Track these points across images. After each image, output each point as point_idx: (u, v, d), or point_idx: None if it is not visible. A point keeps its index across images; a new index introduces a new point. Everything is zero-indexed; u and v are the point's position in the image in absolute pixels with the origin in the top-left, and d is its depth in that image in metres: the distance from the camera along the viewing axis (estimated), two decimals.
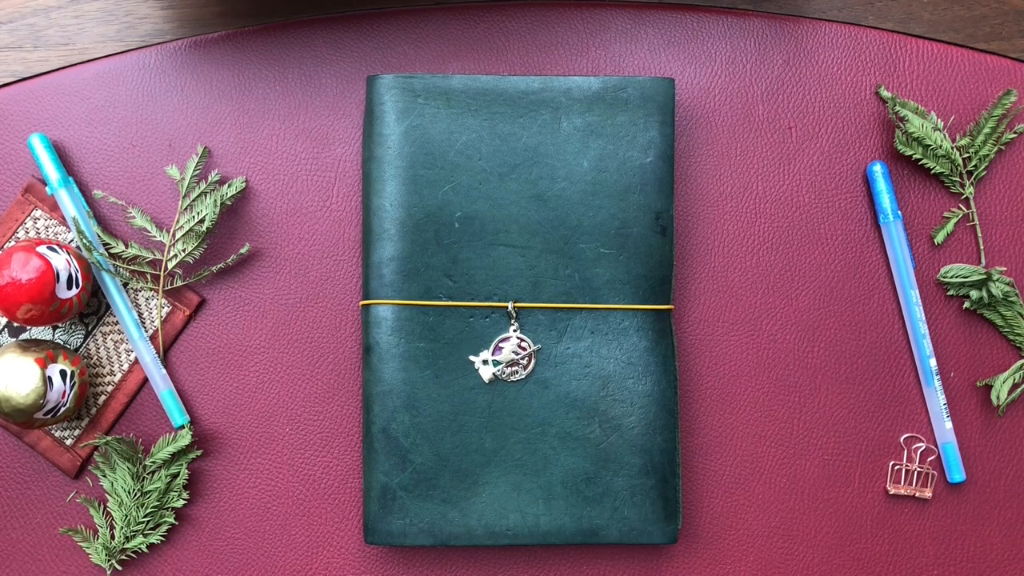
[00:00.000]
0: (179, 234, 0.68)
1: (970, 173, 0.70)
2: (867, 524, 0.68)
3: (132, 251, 0.67)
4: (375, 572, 0.68)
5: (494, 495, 0.65)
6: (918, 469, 0.69)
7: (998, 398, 0.68)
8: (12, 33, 0.71)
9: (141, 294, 0.68)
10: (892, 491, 0.68)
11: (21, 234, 0.68)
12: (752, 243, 0.70)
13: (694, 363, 0.69)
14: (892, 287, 0.70)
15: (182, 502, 0.66)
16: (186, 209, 0.68)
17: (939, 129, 0.69)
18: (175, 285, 0.68)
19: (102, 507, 0.67)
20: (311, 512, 0.68)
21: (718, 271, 0.69)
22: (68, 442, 0.67)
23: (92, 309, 0.68)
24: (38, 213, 0.68)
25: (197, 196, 0.68)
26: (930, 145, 0.69)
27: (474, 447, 0.65)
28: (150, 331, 0.68)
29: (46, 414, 0.63)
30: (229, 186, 0.68)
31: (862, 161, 0.70)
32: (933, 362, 0.68)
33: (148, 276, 0.68)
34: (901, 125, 0.69)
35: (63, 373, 0.63)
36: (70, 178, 0.68)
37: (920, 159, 0.69)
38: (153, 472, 0.67)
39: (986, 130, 0.69)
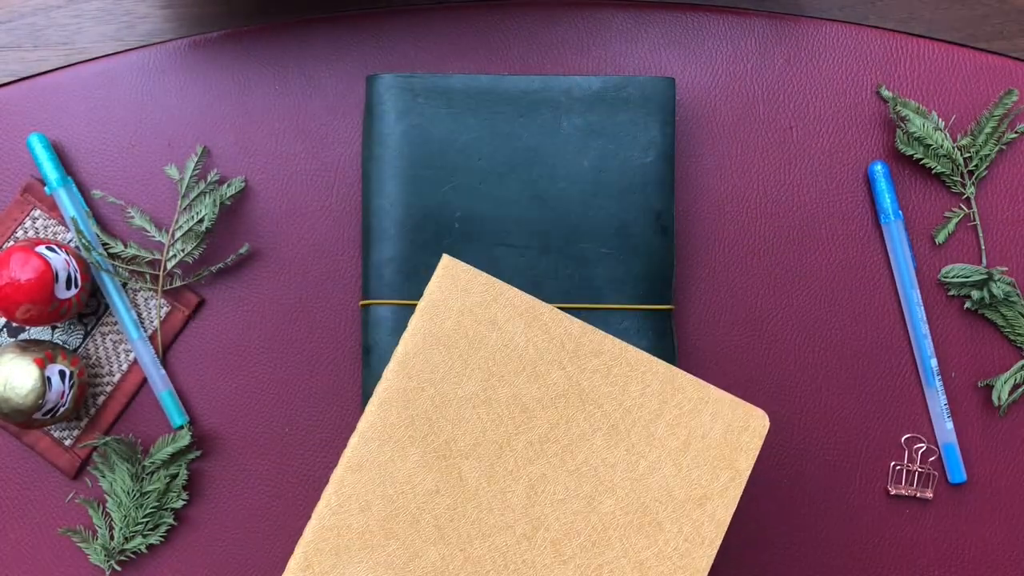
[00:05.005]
0: (178, 234, 0.67)
1: (971, 173, 0.70)
2: (868, 525, 0.68)
3: (131, 251, 0.67)
4: None
5: None
6: (919, 470, 0.68)
7: (999, 398, 0.68)
8: (11, 32, 0.71)
9: (140, 294, 0.68)
10: (893, 492, 0.68)
11: (20, 234, 0.68)
12: (753, 243, 0.70)
13: (695, 363, 0.69)
14: (893, 287, 0.69)
15: (181, 503, 0.66)
16: (185, 209, 0.68)
17: (940, 129, 0.69)
18: (174, 285, 0.67)
19: (101, 508, 0.67)
20: (311, 513, 0.68)
21: (719, 271, 0.69)
22: (67, 442, 0.67)
23: (91, 309, 0.68)
24: (37, 213, 0.68)
25: (196, 196, 0.68)
26: (931, 145, 0.69)
27: None
28: (149, 331, 0.68)
29: (45, 414, 0.63)
30: (228, 186, 0.68)
31: (863, 161, 0.70)
32: (934, 362, 0.68)
33: (147, 276, 0.68)
34: (902, 125, 0.69)
35: (62, 373, 0.63)
36: (69, 178, 0.68)
37: (921, 159, 0.69)
38: (152, 473, 0.67)
39: (987, 130, 0.69)
